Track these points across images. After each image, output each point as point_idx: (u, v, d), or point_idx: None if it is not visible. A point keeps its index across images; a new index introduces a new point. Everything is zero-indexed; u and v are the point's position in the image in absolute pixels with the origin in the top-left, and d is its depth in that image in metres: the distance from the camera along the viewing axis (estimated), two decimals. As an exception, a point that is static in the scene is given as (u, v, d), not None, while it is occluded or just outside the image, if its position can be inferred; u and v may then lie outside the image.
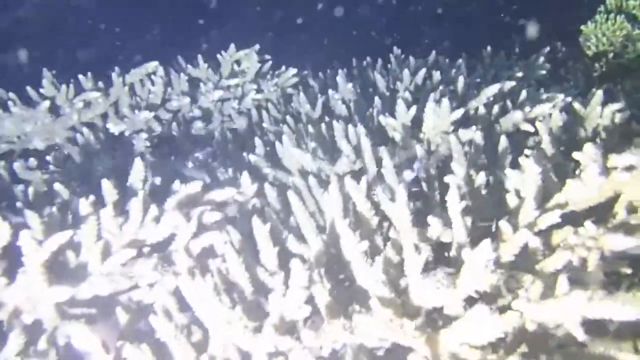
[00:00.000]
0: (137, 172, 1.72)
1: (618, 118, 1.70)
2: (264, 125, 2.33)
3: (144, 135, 2.40)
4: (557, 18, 3.54)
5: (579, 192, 1.31)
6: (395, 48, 3.09)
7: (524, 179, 1.34)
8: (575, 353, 1.16)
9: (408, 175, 1.67)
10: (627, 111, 1.73)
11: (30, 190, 1.75)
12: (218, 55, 2.70)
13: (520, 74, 2.45)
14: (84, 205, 1.52)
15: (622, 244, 1.18)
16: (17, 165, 2.22)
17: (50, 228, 1.46)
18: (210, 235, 1.54)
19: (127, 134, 2.44)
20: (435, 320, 1.29)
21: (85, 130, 2.36)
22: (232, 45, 2.70)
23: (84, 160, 2.31)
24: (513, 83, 2.17)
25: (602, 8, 3.08)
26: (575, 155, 1.36)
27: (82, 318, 1.37)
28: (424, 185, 1.71)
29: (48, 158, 2.32)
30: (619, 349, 1.12)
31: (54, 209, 1.54)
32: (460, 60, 2.72)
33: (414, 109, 1.90)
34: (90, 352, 1.29)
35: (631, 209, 1.28)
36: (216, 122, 2.53)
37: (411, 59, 2.91)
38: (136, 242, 1.51)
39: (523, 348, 1.20)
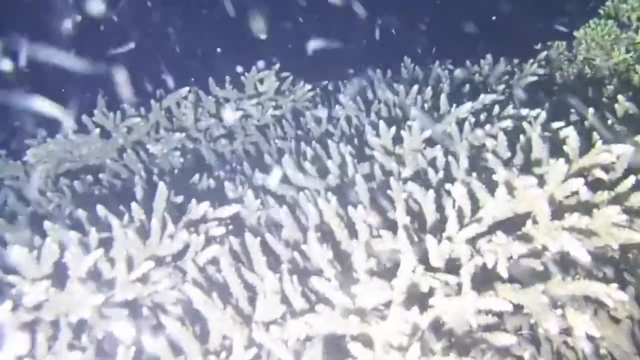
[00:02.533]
0: (161, 195, 2.11)
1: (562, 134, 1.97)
2: (276, 141, 2.69)
3: (177, 152, 2.81)
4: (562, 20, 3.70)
5: (494, 209, 1.60)
6: (405, 57, 3.37)
7: (453, 198, 1.65)
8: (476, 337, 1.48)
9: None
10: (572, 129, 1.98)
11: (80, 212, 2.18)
12: (242, 77, 3.07)
13: (501, 87, 2.69)
14: (116, 226, 1.93)
15: (519, 250, 1.47)
16: (77, 183, 2.69)
17: (88, 246, 1.89)
18: (213, 249, 1.92)
19: (164, 151, 2.86)
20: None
21: (129, 150, 2.78)
22: (254, 68, 3.07)
23: (129, 176, 2.74)
24: (493, 96, 2.44)
25: (601, 12, 3.25)
26: (494, 177, 1.65)
27: (115, 317, 1.78)
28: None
29: (101, 176, 2.76)
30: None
31: (93, 230, 1.95)
32: (457, 71, 2.98)
33: (393, 129, 2.21)
34: (123, 341, 1.71)
35: (534, 221, 1.56)
36: (239, 139, 2.91)
37: (417, 69, 3.19)
38: (155, 255, 1.91)
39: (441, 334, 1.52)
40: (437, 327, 1.50)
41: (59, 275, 1.80)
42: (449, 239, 1.57)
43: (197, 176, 2.51)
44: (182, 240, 1.92)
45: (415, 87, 2.65)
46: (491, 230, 1.60)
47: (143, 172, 2.75)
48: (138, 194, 2.30)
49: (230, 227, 2.08)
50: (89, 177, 2.76)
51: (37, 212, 2.67)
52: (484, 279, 1.57)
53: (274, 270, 1.80)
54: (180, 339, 1.70)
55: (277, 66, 3.15)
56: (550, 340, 1.77)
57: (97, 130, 2.82)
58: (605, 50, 3.00)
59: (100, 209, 2.14)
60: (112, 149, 2.88)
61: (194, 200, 2.10)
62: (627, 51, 2.91)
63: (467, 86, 2.80)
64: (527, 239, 1.52)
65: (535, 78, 2.94)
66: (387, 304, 1.57)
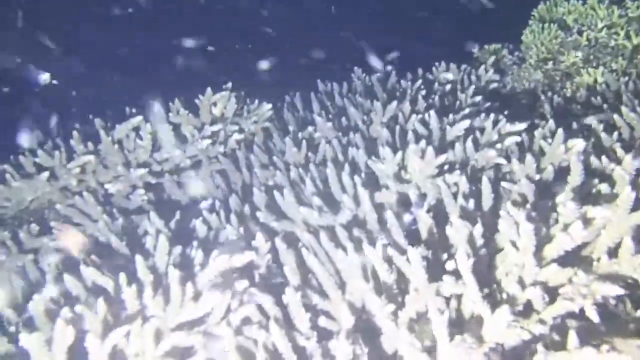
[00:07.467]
0: (163, 249, 1.88)
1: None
2: (256, 171, 2.50)
3: (141, 190, 2.53)
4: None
5: (567, 244, 1.54)
6: (355, 68, 3.28)
7: (520, 236, 1.56)
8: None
9: (407, 218, 1.88)
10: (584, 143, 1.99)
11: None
12: (196, 100, 2.82)
13: (478, 99, 2.68)
14: (129, 295, 1.68)
15: (611, 291, 1.43)
16: (22, 235, 2.34)
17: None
18: (247, 308, 1.73)
19: (122, 190, 2.57)
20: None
21: (85, 193, 2.46)
22: (209, 89, 2.82)
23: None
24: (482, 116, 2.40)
25: (534, 14, 3.36)
26: (559, 210, 1.60)
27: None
28: (421, 229, 1.91)
29: (52, 224, 2.42)
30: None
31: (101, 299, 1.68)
32: (419, 82, 2.92)
33: (400, 154, 2.10)
34: None
35: (611, 254, 1.52)
36: (205, 168, 2.68)
37: (374, 79, 3.09)
38: (180, 322, 1.69)
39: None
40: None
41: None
42: (535, 282, 1.50)
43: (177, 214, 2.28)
44: (209, 302, 1.71)
45: (394, 104, 2.57)
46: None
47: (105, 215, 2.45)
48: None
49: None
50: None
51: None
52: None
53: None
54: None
55: (230, 85, 2.94)
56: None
57: (46, 173, 2.46)
58: (553, 54, 3.09)
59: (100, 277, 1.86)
60: (61, 192, 2.53)
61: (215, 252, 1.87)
62: (576, 54, 3.02)
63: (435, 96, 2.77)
64: (614, 277, 1.47)
65: (495, 85, 2.97)
66: None
